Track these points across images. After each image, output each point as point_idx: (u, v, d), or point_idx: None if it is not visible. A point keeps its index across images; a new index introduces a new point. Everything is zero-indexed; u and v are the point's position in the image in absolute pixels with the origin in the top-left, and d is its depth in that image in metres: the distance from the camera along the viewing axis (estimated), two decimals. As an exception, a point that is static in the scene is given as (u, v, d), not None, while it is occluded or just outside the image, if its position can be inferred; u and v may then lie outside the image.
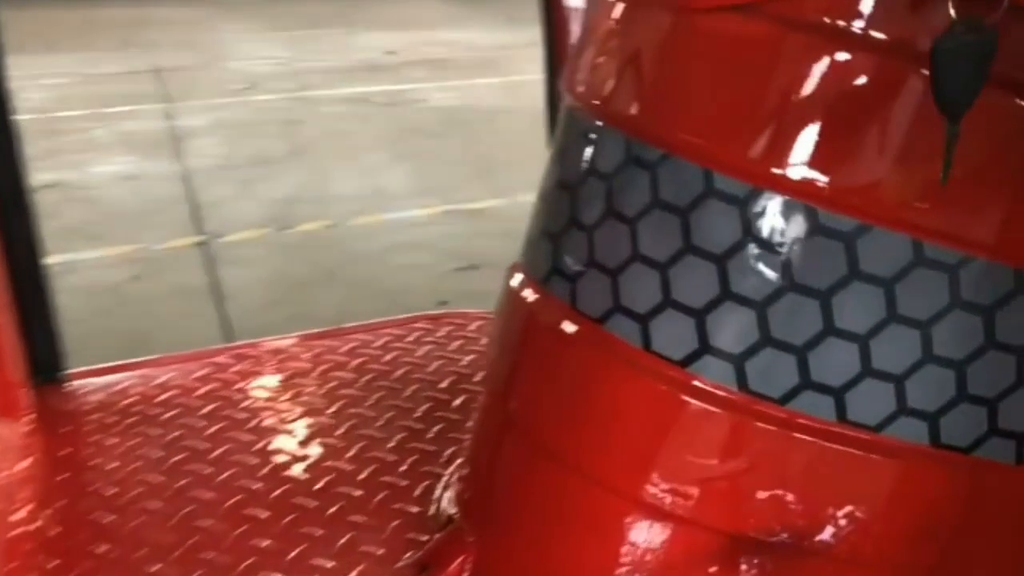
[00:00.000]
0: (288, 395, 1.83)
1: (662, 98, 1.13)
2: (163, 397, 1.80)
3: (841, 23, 1.01)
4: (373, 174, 5.36)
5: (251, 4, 10.66)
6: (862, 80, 1.00)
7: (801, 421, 1.08)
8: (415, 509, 1.50)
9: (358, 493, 1.54)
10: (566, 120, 1.29)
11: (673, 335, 1.10)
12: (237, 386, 1.84)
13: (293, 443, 1.67)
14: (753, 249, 1.05)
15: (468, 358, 1.98)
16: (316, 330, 2.11)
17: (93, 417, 1.74)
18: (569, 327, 1.20)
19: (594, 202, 1.17)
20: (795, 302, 1.05)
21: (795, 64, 1.04)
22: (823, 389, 1.07)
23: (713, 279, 1.07)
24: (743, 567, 1.13)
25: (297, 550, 1.40)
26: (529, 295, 1.29)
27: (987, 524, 1.17)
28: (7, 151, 1.73)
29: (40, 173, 4.02)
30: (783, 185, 1.02)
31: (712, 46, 1.09)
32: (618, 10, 1.21)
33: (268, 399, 1.82)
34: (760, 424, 1.09)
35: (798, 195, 1.02)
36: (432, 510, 1.50)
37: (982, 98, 0.90)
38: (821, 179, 1.01)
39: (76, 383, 1.86)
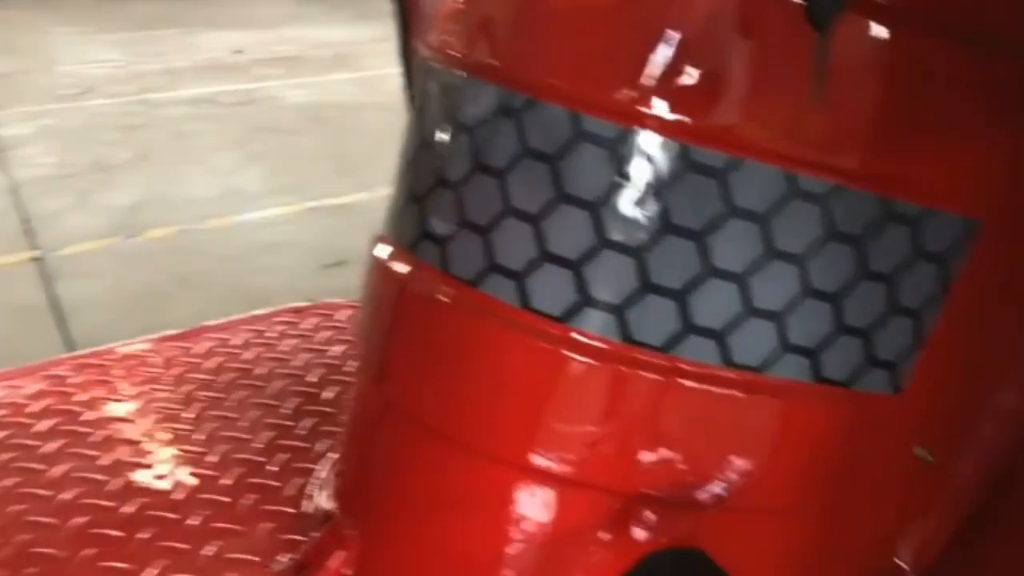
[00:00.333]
0: (139, 404, 1.66)
1: (524, 43, 1.08)
2: (-10, 418, 1.60)
3: None
4: (225, 175, 5.09)
5: (79, 6, 9.97)
6: (723, 10, 0.98)
7: (686, 367, 1.05)
8: (289, 510, 1.38)
9: (224, 499, 1.40)
10: (424, 76, 1.21)
11: (551, 290, 1.05)
12: (78, 398, 1.65)
13: (146, 454, 1.52)
14: (627, 193, 1.01)
15: (338, 348, 1.86)
16: (168, 332, 1.93)
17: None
18: (442, 294, 1.12)
19: (460, 157, 1.10)
20: (672, 244, 1.01)
21: (656, 1, 1.01)
22: (706, 333, 1.04)
23: (588, 228, 1.02)
24: (637, 525, 1.09)
25: (157, 568, 1.26)
26: (397, 265, 1.20)
27: (870, 459, 1.18)
28: None
29: None
30: (652, 123, 0.98)
31: None
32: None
33: (115, 409, 1.65)
34: (646, 374, 1.05)
35: (668, 133, 0.98)
36: (308, 509, 1.39)
37: (845, 23, 0.89)
38: (690, 115, 0.98)
39: None
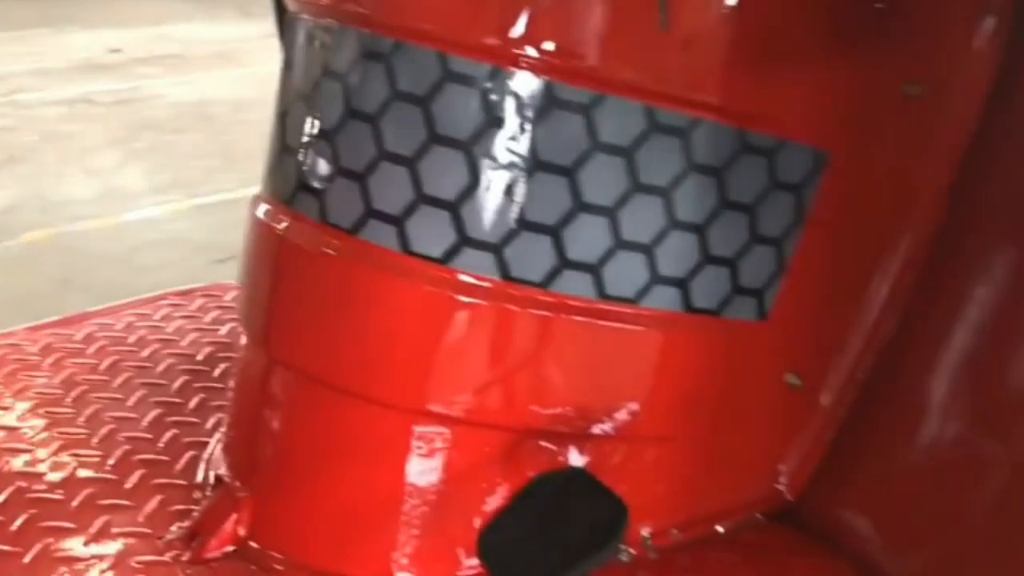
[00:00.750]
0: (12, 390, 1.59)
1: None
2: None
3: None
4: (105, 175, 4.89)
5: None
6: None
7: (565, 302, 1.08)
8: (180, 482, 1.35)
9: (110, 477, 1.36)
10: (293, 29, 1.21)
11: (430, 232, 1.06)
12: None
13: (21, 439, 1.45)
14: (497, 131, 1.03)
15: (226, 327, 1.83)
16: (42, 321, 1.85)
17: None
18: (323, 244, 1.13)
19: (332, 105, 1.10)
20: (543, 181, 1.05)
21: None
22: (580, 267, 1.08)
23: (462, 168, 1.04)
24: (528, 458, 1.12)
25: (38, 546, 1.22)
26: (276, 222, 1.20)
27: (744, 386, 1.24)
28: None
29: None
30: (518, 62, 1.01)
31: None
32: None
33: (-14, 398, 1.57)
34: (527, 310, 1.08)
35: (533, 71, 1.01)
36: (199, 478, 1.36)
37: None
38: (553, 52, 1.01)
39: None
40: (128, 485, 1.34)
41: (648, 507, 1.19)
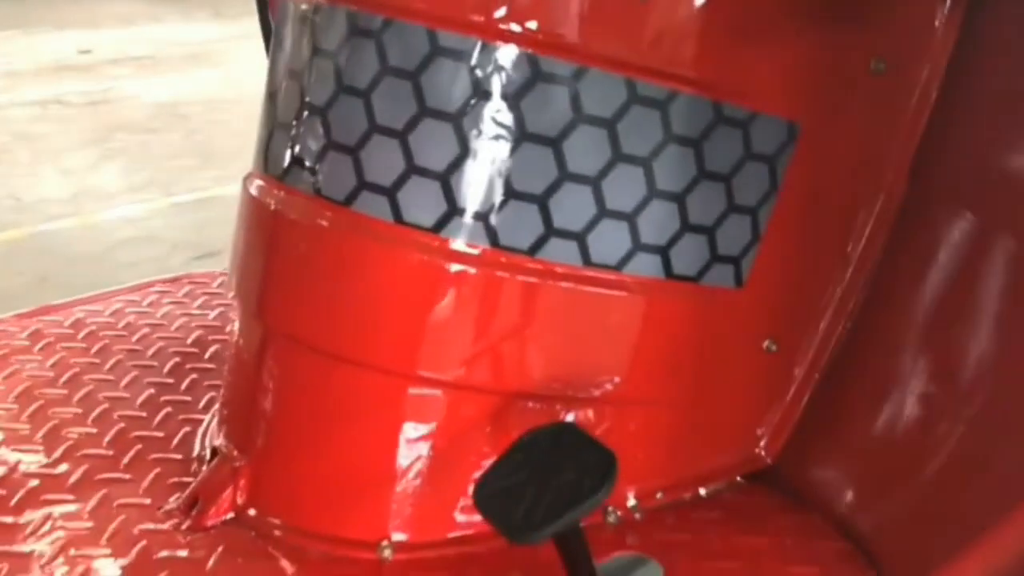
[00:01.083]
0: (3, 374, 1.60)
1: None
2: None
3: None
4: (80, 174, 4.87)
5: None
6: None
7: (551, 269, 1.13)
8: (177, 456, 1.38)
9: (106, 453, 1.39)
10: (284, 9, 1.24)
11: (421, 202, 1.11)
12: None
13: (15, 419, 1.47)
14: (484, 103, 1.08)
15: (214, 312, 1.86)
16: (27, 309, 1.87)
17: None
18: (317, 217, 1.16)
19: (324, 82, 1.14)
20: (530, 151, 1.09)
21: None
22: (566, 235, 1.12)
23: (452, 139, 1.09)
24: (516, 422, 1.16)
25: (38, 515, 1.24)
26: (270, 197, 1.23)
27: (723, 352, 1.30)
28: None
29: None
30: (504, 36, 1.06)
31: None
32: None
33: (-23, 382, 1.58)
34: (515, 277, 1.13)
35: (519, 44, 1.06)
36: (195, 452, 1.39)
37: None
38: (538, 26, 1.06)
39: None
40: (125, 460, 1.37)
41: (632, 470, 1.24)
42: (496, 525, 0.96)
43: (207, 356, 1.69)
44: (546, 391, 1.17)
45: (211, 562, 1.17)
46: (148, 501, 1.28)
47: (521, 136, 1.08)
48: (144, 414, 1.49)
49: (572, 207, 1.11)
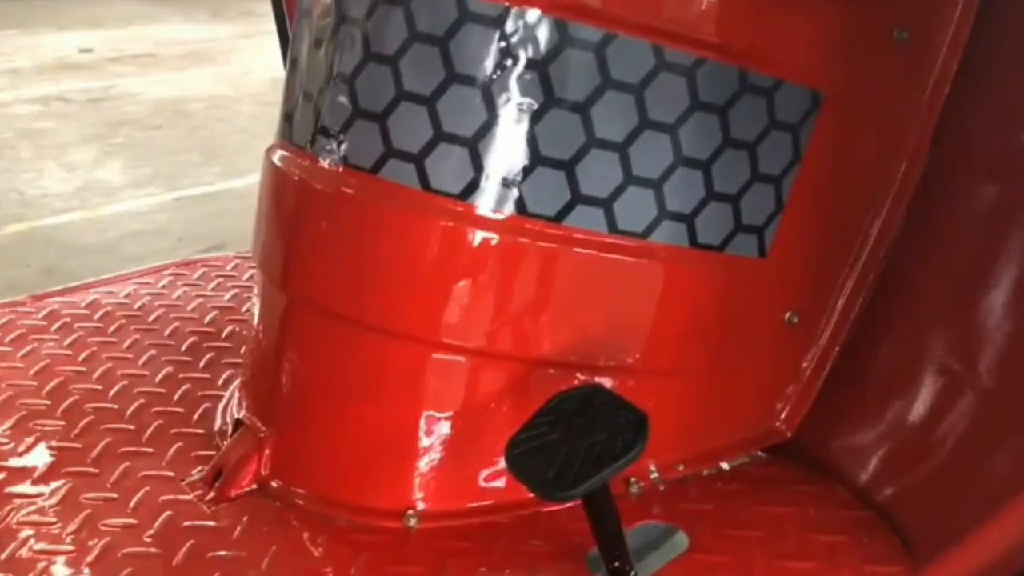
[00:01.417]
0: (23, 352, 1.60)
1: None
2: None
3: None
4: (84, 170, 4.86)
5: None
6: None
7: (577, 236, 1.13)
8: (198, 431, 1.38)
9: (128, 427, 1.39)
10: None
11: (449, 169, 1.11)
12: None
13: (36, 395, 1.47)
14: (513, 69, 1.08)
15: (230, 294, 1.86)
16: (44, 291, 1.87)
17: None
18: (343, 185, 1.16)
19: (351, 50, 1.14)
20: (558, 117, 1.09)
21: None
22: (593, 202, 1.13)
23: (480, 105, 1.09)
24: (539, 390, 1.16)
25: (63, 490, 1.24)
26: (294, 167, 1.23)
27: (745, 322, 1.30)
28: None
29: None
30: (533, 1, 1.06)
31: None
32: None
33: (-5, 361, 1.58)
34: (542, 244, 1.13)
35: (547, 9, 1.06)
36: (217, 425, 1.39)
37: None
38: None
39: None
40: (147, 435, 1.37)
41: (654, 441, 1.23)
42: (528, 484, 0.96)
43: (224, 335, 1.69)
44: (569, 359, 1.18)
45: (236, 532, 1.17)
46: (171, 474, 1.28)
47: (549, 102, 1.09)
48: (163, 390, 1.49)
49: (599, 174, 1.11)
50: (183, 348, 1.63)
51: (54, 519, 1.19)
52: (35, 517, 1.19)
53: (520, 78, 1.08)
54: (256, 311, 1.34)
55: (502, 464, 1.17)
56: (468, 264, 1.13)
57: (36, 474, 1.28)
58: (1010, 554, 0.88)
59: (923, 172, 1.27)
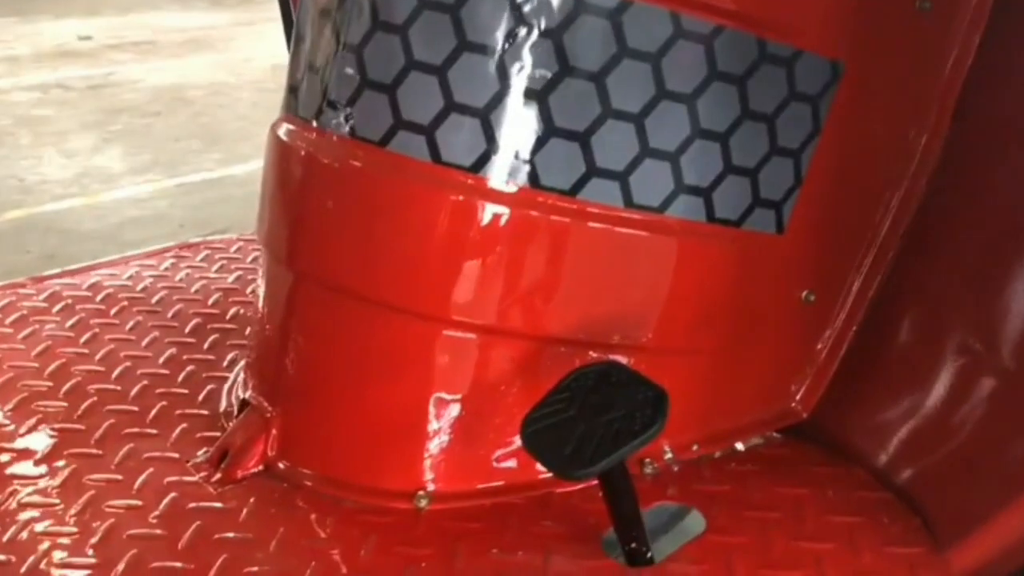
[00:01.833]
0: (24, 334, 1.58)
1: None
2: None
3: None
4: (83, 156, 4.83)
5: None
6: None
7: (592, 210, 1.10)
8: (203, 412, 1.36)
9: (131, 409, 1.36)
10: None
11: (460, 141, 1.08)
12: None
13: (37, 376, 1.45)
14: (527, 37, 1.05)
15: (233, 275, 1.83)
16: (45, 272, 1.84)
17: None
18: (351, 158, 1.13)
19: (359, 19, 1.11)
20: (574, 87, 1.06)
21: None
22: (608, 175, 1.10)
23: (492, 75, 1.06)
24: (551, 369, 1.13)
25: (66, 471, 1.22)
26: (301, 141, 1.20)
27: (761, 300, 1.27)
28: None
29: None
30: (547, -33, 1.03)
31: None
32: None
33: (-3, 342, 1.56)
34: (555, 218, 1.10)
35: None
36: (222, 406, 1.36)
37: None
38: None
39: None
40: (151, 416, 1.35)
41: (669, 421, 1.22)
42: (544, 462, 0.93)
43: (228, 317, 1.66)
44: (581, 337, 1.15)
45: (243, 513, 1.14)
46: (176, 455, 1.25)
47: (563, 71, 1.06)
48: (167, 372, 1.47)
49: (615, 146, 1.08)
50: (187, 329, 1.61)
51: (57, 501, 1.17)
52: (37, 499, 1.17)
53: (534, 46, 1.05)
54: (261, 289, 1.31)
55: (514, 444, 1.15)
56: (479, 239, 1.10)
57: (38, 455, 1.26)
58: None
59: (945, 146, 1.25)
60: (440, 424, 1.15)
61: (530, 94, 1.06)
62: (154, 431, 1.31)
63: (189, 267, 1.87)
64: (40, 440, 1.29)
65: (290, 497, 1.17)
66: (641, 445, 0.90)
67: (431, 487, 1.16)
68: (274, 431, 1.21)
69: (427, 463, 1.16)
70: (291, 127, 1.23)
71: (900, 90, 1.22)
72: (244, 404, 1.29)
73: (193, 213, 4.08)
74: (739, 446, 1.30)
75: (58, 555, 1.07)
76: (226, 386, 1.42)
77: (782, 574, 1.05)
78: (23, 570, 1.04)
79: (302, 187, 1.21)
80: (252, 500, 1.16)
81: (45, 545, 1.08)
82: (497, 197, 1.09)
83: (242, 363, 1.46)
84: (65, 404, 1.37)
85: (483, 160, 1.08)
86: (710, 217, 1.16)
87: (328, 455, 1.20)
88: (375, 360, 1.16)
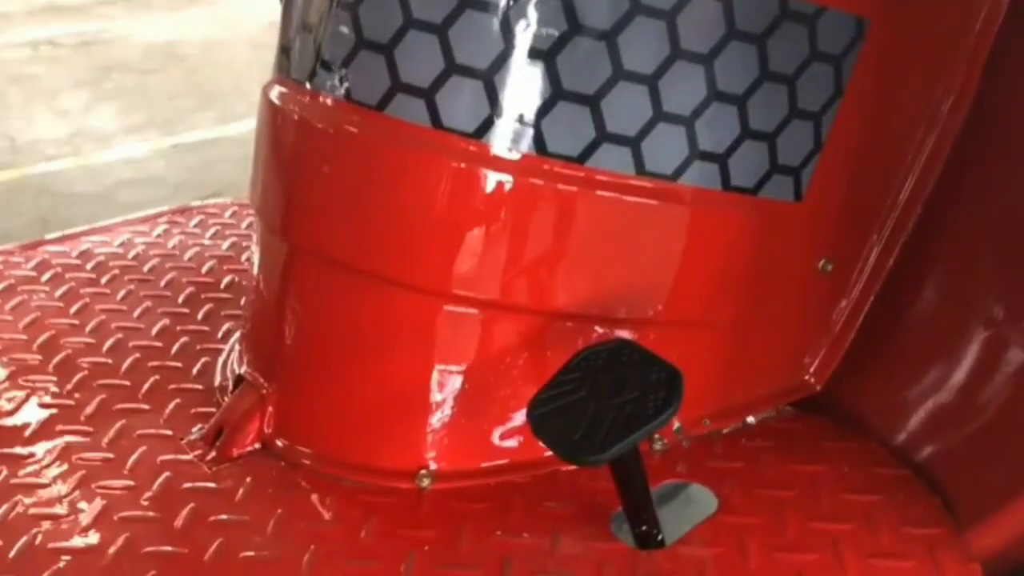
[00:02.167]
0: (11, 304, 1.53)
1: None
2: None
3: None
4: (75, 115, 4.73)
5: None
6: None
7: (601, 178, 1.04)
8: (197, 386, 1.31)
9: (123, 383, 1.32)
10: None
11: (462, 105, 1.01)
12: None
13: (26, 349, 1.40)
14: (534, -8, 0.98)
15: (228, 242, 1.77)
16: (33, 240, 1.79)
17: None
18: (346, 123, 1.07)
19: (353, -27, 1.04)
20: (583, 47, 1.00)
21: None
22: (619, 140, 1.03)
23: (495, 34, 0.99)
24: (558, 345, 1.09)
25: (56, 449, 1.18)
26: (293, 104, 1.14)
27: (777, 269, 1.22)
28: None
29: None
30: (555, -84, 0.96)
31: None
32: None
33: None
34: (563, 187, 1.04)
35: None
36: (217, 381, 1.32)
37: None
38: None
39: None
40: (143, 391, 1.30)
41: None
42: (553, 447, 0.89)
43: (223, 286, 1.61)
44: (588, 311, 1.10)
45: (239, 494, 1.11)
46: (169, 432, 1.21)
47: (572, 30, 0.99)
48: (160, 344, 1.42)
49: (626, 109, 1.02)
50: (180, 299, 1.56)
51: (47, 480, 1.13)
52: (28, 479, 1.13)
53: (540, 3, 0.98)
54: (256, 261, 1.26)
55: (517, 421, 1.11)
56: (481, 209, 1.05)
57: (28, 432, 1.22)
58: None
59: (971, 109, 1.18)
60: (442, 401, 1.11)
61: (536, 54, 1.00)
62: (147, 407, 1.27)
63: (182, 233, 1.81)
64: (29, 416, 1.25)
65: (288, 476, 1.14)
66: (654, 430, 0.86)
67: (433, 466, 1.12)
68: (270, 408, 1.17)
69: (429, 441, 1.12)
70: (283, 89, 1.16)
71: (927, 50, 1.15)
72: (239, 379, 1.24)
73: (189, 175, 4.00)
74: (750, 419, 1.27)
75: (47, 539, 1.03)
76: (221, 359, 1.37)
77: (797, 557, 1.01)
78: (12, 555, 1.00)
79: (295, 154, 1.15)
80: (248, 480, 1.13)
81: (35, 528, 1.05)
82: (501, 164, 1.03)
83: (237, 334, 1.41)
84: (55, 378, 1.33)
85: (486, 125, 1.01)
86: (725, 185, 1.10)
87: (326, 433, 1.16)
88: (374, 335, 1.12)
